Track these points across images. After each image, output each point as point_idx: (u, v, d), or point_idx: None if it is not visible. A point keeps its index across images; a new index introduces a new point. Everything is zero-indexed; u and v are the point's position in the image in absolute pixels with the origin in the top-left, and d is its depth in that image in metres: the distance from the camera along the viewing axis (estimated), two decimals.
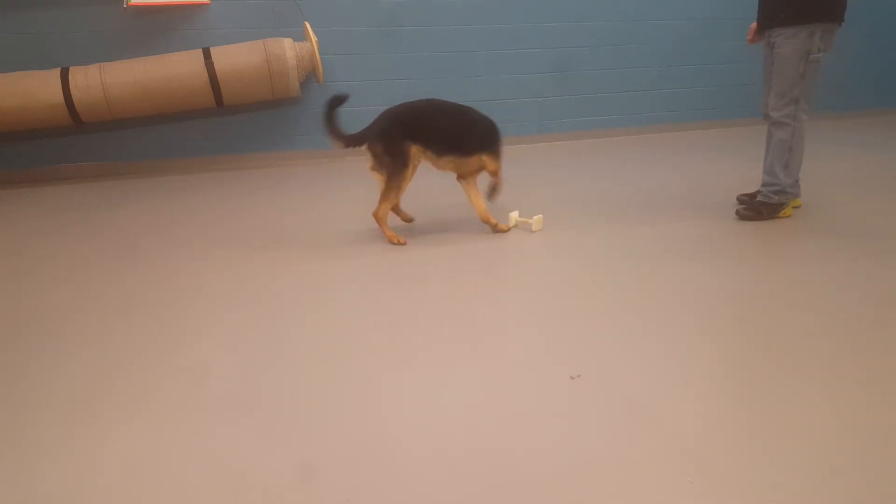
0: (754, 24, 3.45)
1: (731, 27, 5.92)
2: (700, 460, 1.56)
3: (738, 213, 3.41)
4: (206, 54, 4.47)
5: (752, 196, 3.60)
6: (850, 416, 1.75)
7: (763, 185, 3.37)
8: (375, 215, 3.21)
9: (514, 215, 3.38)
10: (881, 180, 4.25)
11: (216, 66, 4.43)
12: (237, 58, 4.50)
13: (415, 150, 3.10)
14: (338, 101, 3.16)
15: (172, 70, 4.42)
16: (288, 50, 4.51)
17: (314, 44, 4.61)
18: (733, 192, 3.74)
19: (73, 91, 4.26)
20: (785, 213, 3.38)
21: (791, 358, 2.07)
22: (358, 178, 4.52)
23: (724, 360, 2.09)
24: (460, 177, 3.34)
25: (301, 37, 4.75)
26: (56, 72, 4.31)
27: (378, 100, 5.18)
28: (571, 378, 1.93)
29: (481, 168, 3.28)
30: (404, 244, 3.18)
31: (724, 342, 2.21)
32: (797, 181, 3.52)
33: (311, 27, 4.67)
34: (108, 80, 4.31)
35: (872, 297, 2.47)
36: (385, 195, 3.16)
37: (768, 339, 2.23)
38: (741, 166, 4.38)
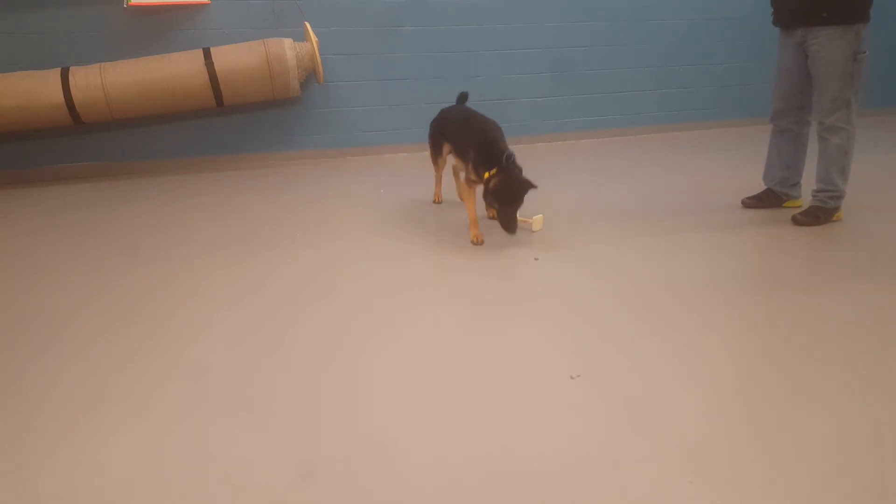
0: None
1: (731, 27, 5.92)
2: (700, 460, 1.56)
3: (794, 218, 3.28)
4: (206, 54, 4.46)
5: (758, 198, 3.58)
6: (850, 416, 1.75)
7: (818, 191, 3.25)
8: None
9: None
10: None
11: (216, 66, 4.43)
12: (237, 58, 4.49)
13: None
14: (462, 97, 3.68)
15: (172, 70, 4.41)
16: (288, 50, 4.51)
17: (314, 44, 4.60)
18: (733, 192, 3.74)
19: (73, 91, 4.25)
20: (837, 216, 3.27)
21: (792, 358, 2.07)
22: (358, 177, 4.54)
23: (725, 361, 2.09)
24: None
25: (301, 37, 4.74)
26: (56, 72, 4.30)
27: (378, 100, 5.22)
28: (572, 378, 1.93)
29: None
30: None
31: (725, 342, 2.21)
32: (799, 183, 3.51)
33: (311, 27, 4.66)
34: (108, 80, 4.31)
35: (874, 295, 2.47)
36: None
37: (769, 340, 2.23)
38: (741, 166, 4.38)
